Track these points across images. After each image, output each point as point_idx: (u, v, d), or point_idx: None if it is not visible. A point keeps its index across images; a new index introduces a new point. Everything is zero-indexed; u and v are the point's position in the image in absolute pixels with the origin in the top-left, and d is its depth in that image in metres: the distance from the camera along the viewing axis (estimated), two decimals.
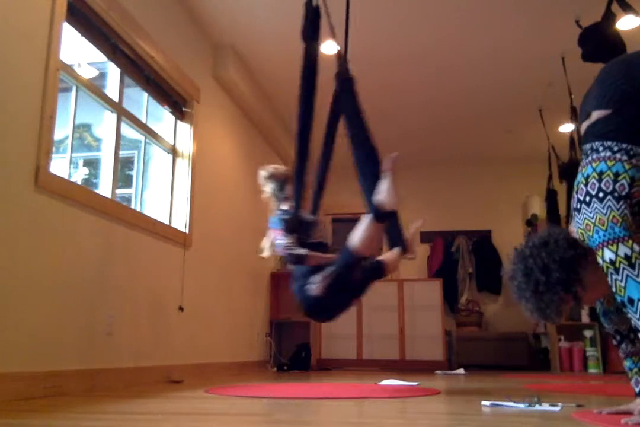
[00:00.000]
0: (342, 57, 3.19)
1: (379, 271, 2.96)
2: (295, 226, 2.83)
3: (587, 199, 1.67)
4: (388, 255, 3.07)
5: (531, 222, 6.76)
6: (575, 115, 4.65)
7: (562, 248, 1.71)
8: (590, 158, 1.73)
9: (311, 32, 2.78)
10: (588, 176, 1.69)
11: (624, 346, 1.84)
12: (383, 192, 2.54)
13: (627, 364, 1.84)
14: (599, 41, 3.58)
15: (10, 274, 2.34)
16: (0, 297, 2.28)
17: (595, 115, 1.79)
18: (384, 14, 4.22)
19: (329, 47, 4.44)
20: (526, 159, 6.88)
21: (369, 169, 2.66)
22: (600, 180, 1.66)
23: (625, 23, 3.96)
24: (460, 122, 6.23)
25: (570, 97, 4.67)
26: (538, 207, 6.72)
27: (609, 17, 3.59)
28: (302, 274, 2.82)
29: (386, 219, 2.60)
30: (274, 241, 2.88)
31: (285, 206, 3.04)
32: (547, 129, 5.51)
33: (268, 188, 3.16)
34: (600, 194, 1.64)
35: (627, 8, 3.51)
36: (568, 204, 4.54)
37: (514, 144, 6.81)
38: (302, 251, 2.76)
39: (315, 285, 2.69)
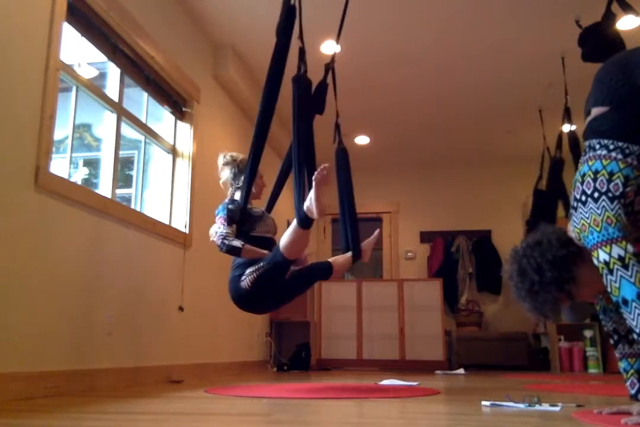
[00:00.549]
0: (338, 130, 3.40)
1: (326, 272, 3.03)
2: (237, 217, 2.88)
3: (583, 198, 1.67)
4: (339, 258, 3.14)
5: (531, 222, 6.75)
6: (569, 116, 4.67)
7: (555, 247, 1.73)
8: (587, 156, 1.73)
9: (285, 30, 2.82)
10: (584, 174, 1.70)
11: (621, 347, 1.84)
12: (308, 201, 2.58)
13: (622, 365, 1.83)
14: (598, 41, 3.58)
15: (10, 274, 2.34)
16: (0, 297, 2.28)
17: (595, 111, 1.79)
18: (383, 12, 4.22)
19: (328, 47, 4.45)
20: (526, 159, 6.86)
21: (302, 177, 2.70)
22: (595, 180, 1.66)
23: (625, 23, 3.96)
24: (459, 122, 6.24)
25: (565, 98, 4.67)
26: None
27: (609, 17, 3.59)
28: (238, 265, 2.86)
29: (309, 226, 2.64)
30: (214, 228, 2.90)
31: (237, 196, 3.05)
32: (547, 129, 5.50)
33: (224, 174, 3.19)
34: (595, 194, 1.64)
35: (627, 8, 3.50)
36: (550, 204, 4.59)
37: (514, 144, 6.81)
38: (236, 243, 2.78)
39: (245, 277, 2.75)
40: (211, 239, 2.91)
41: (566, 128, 4.68)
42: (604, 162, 1.66)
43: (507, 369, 6.13)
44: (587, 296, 1.86)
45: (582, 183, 1.69)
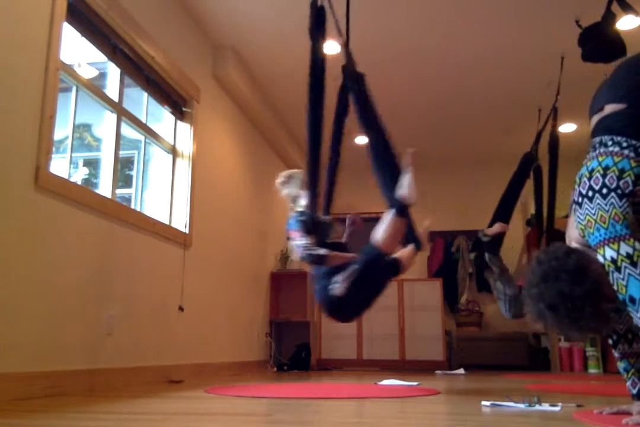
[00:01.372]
0: (348, 54, 3.18)
1: (395, 269, 2.97)
2: (312, 227, 2.83)
3: (590, 193, 1.64)
4: (403, 252, 3.07)
5: (531, 222, 6.75)
6: (555, 116, 4.69)
7: (568, 284, 1.65)
8: (597, 151, 1.70)
9: (317, 31, 2.79)
10: (592, 170, 1.66)
11: (620, 346, 1.83)
12: (405, 187, 2.56)
13: (622, 365, 1.82)
14: (598, 41, 3.58)
15: (10, 274, 2.34)
16: (0, 297, 2.28)
17: (609, 108, 1.77)
18: (383, 13, 4.21)
19: (330, 47, 4.44)
20: None
21: (388, 165, 2.68)
22: (604, 176, 1.63)
23: (625, 23, 3.96)
24: (459, 122, 6.23)
25: (556, 98, 4.69)
26: None
27: (609, 17, 3.59)
28: (323, 275, 2.81)
29: (406, 213, 2.62)
30: (293, 242, 2.87)
31: (300, 208, 3.05)
32: (547, 129, 5.50)
33: (285, 192, 3.20)
34: (604, 190, 1.61)
35: (627, 8, 3.51)
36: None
37: (513, 144, 6.79)
38: (321, 251, 2.76)
39: (338, 284, 2.69)
40: (293, 255, 2.88)
41: (566, 128, 4.69)
42: (616, 159, 1.64)
43: (507, 369, 6.13)
44: None
45: (589, 178, 1.66)
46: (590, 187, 1.65)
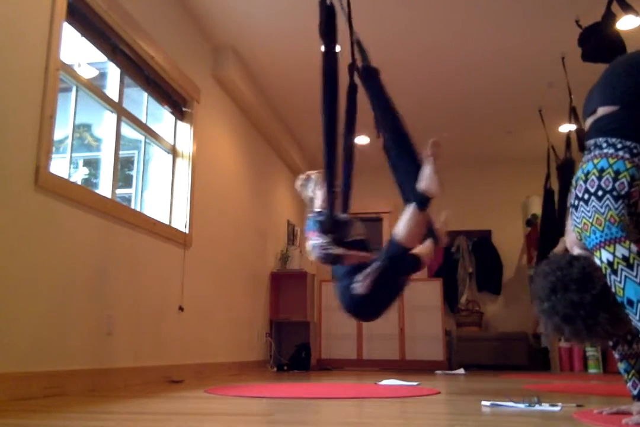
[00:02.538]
0: (361, 49, 3.15)
1: (416, 264, 2.92)
2: (330, 226, 2.79)
3: (586, 196, 1.64)
4: (422, 247, 3.02)
5: (531, 222, 6.75)
6: (575, 116, 4.65)
7: (575, 292, 1.64)
8: (592, 154, 1.70)
9: (327, 30, 2.76)
10: (588, 173, 1.66)
11: (620, 347, 1.82)
12: (427, 179, 2.50)
13: (622, 366, 1.82)
14: (598, 41, 3.58)
15: (10, 274, 2.34)
16: (0, 297, 2.28)
17: (601, 111, 1.77)
18: (382, 14, 4.22)
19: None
20: (526, 159, 6.88)
21: (406, 158, 2.63)
22: (600, 178, 1.63)
23: (625, 23, 3.95)
24: (459, 122, 6.23)
25: (570, 97, 4.67)
26: (538, 207, 6.71)
27: (609, 17, 3.59)
28: (344, 274, 2.80)
29: (427, 206, 2.56)
30: (310, 242, 2.84)
31: (318, 208, 3.04)
32: (547, 129, 5.51)
33: (304, 193, 3.22)
34: (600, 192, 1.61)
35: (627, 8, 3.50)
36: (561, 204, 4.55)
37: (514, 144, 6.81)
38: (338, 251, 2.72)
39: (360, 283, 2.66)
40: (310, 255, 2.84)
41: (566, 128, 4.68)
42: (611, 160, 1.64)
43: (507, 369, 6.13)
44: None
45: (585, 181, 1.66)
46: (586, 190, 1.65)
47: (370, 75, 3.08)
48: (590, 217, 1.62)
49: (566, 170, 4.60)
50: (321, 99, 2.74)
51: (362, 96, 3.12)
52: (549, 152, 5.30)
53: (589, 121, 1.83)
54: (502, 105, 5.79)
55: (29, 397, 2.34)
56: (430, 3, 4.11)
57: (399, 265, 2.68)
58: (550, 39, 4.51)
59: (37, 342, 2.48)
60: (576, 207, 1.67)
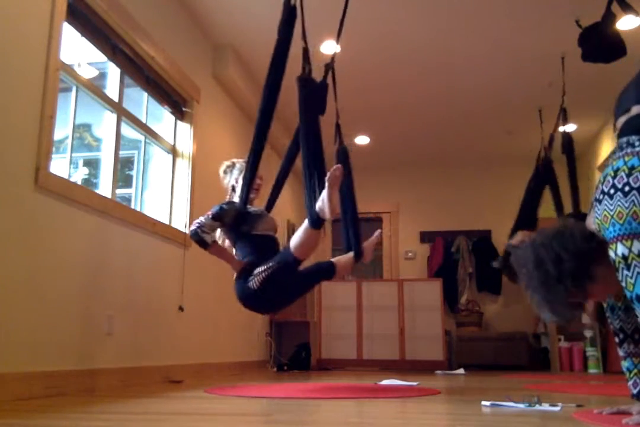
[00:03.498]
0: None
1: (329, 272, 3.03)
2: (228, 217, 2.87)
3: (612, 191, 1.62)
4: (342, 258, 3.15)
5: None
6: (565, 116, 4.65)
7: (579, 240, 1.69)
8: (624, 152, 1.68)
9: (286, 30, 2.84)
10: (618, 169, 1.65)
11: (626, 346, 1.83)
12: (322, 202, 2.58)
13: (626, 364, 1.82)
14: (598, 41, 3.57)
15: (9, 274, 2.34)
16: (0, 297, 2.28)
17: (636, 109, 1.76)
18: (382, 13, 4.22)
19: (328, 47, 4.45)
20: (526, 160, 6.83)
21: (312, 178, 2.70)
22: (629, 175, 1.61)
23: (625, 23, 3.96)
24: (459, 122, 6.23)
25: (562, 98, 4.67)
26: None
27: (609, 17, 3.58)
28: (245, 269, 2.87)
29: (320, 226, 2.65)
30: (198, 219, 2.89)
31: (235, 198, 3.07)
32: (547, 129, 5.49)
33: (225, 180, 3.23)
34: (626, 188, 1.59)
35: (627, 8, 3.50)
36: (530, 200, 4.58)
37: (514, 144, 6.81)
38: (207, 237, 2.81)
39: (252, 277, 2.77)
40: (189, 229, 2.90)
41: (567, 128, 4.67)
42: None
43: (507, 369, 6.13)
44: (599, 295, 1.84)
45: (613, 177, 1.64)
46: (613, 185, 1.63)
47: (343, 154, 3.44)
48: (612, 211, 1.60)
49: (544, 169, 4.63)
50: (263, 93, 2.88)
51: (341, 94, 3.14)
52: (540, 153, 5.29)
53: (622, 120, 1.80)
54: (502, 105, 5.79)
55: (29, 397, 2.34)
56: (431, 2, 4.11)
57: (291, 271, 2.78)
58: (550, 39, 4.51)
59: (37, 342, 2.48)
60: (600, 201, 1.66)
